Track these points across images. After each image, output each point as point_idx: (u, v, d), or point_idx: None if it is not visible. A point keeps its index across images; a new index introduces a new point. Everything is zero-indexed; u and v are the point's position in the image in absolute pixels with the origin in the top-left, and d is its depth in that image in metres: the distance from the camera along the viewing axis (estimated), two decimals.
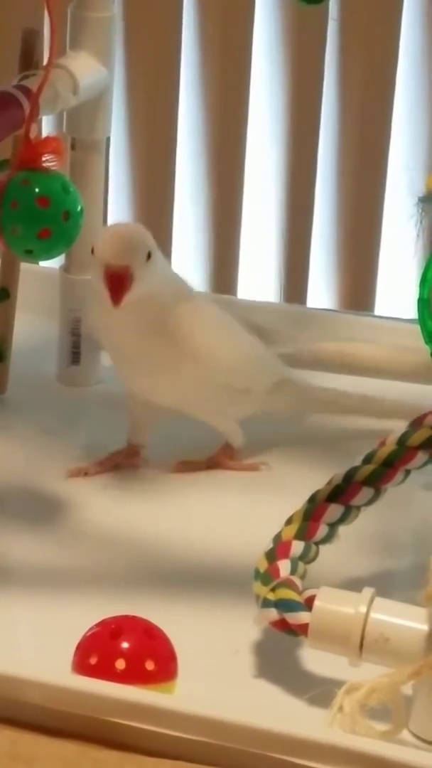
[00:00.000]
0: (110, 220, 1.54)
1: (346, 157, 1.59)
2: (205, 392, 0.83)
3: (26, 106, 0.80)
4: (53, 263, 0.99)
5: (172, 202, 1.61)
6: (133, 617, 0.67)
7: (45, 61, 0.84)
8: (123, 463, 0.84)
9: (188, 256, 1.64)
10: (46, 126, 1.28)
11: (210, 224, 1.62)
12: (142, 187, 1.60)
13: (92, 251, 0.78)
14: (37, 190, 0.75)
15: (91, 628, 0.66)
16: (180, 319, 0.81)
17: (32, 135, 0.78)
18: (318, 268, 1.64)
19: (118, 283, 0.77)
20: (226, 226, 1.62)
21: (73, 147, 0.90)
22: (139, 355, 0.81)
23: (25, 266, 0.93)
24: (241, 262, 1.64)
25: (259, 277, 1.65)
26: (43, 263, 1.22)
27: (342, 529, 0.73)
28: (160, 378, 0.82)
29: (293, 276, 1.63)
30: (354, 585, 0.67)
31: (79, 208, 0.76)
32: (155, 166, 1.59)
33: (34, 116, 0.77)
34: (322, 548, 0.72)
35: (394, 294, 1.63)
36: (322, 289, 1.65)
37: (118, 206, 1.58)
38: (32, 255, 0.77)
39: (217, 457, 0.85)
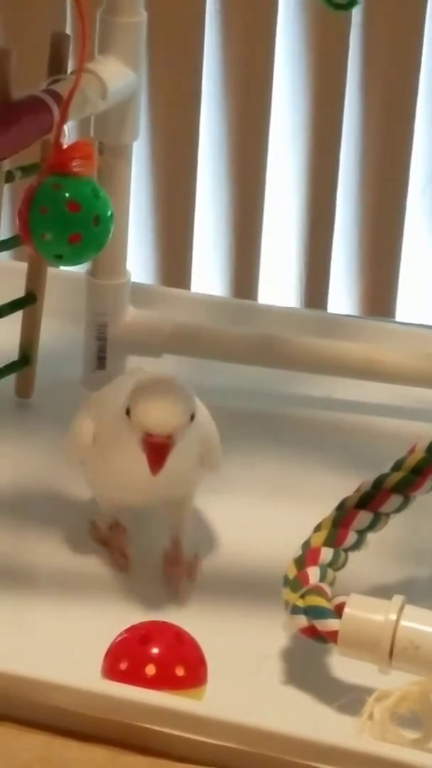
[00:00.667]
0: (131, 224, 1.54)
1: (368, 162, 1.59)
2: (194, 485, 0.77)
3: (55, 110, 0.80)
4: (79, 267, 0.99)
5: (193, 207, 1.61)
6: (163, 623, 0.67)
7: (72, 66, 0.84)
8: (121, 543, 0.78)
9: (209, 262, 1.64)
10: (74, 131, 1.27)
11: (231, 229, 1.62)
12: (164, 192, 1.60)
13: (127, 412, 0.71)
14: (67, 195, 0.75)
15: (120, 634, 0.67)
16: (210, 434, 0.76)
17: (61, 140, 0.78)
18: (339, 274, 1.64)
19: (159, 453, 0.70)
20: (247, 232, 1.62)
21: (100, 152, 0.90)
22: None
23: (51, 271, 0.93)
24: (262, 268, 1.64)
25: (279, 283, 1.65)
26: (69, 268, 1.23)
27: (371, 537, 0.73)
28: (168, 489, 0.75)
29: (314, 282, 1.63)
30: (383, 592, 0.67)
31: (109, 213, 0.76)
32: (176, 171, 1.59)
33: (65, 121, 0.77)
34: (351, 556, 0.72)
35: (416, 300, 1.63)
36: (342, 295, 1.64)
37: (139, 212, 1.58)
38: (62, 260, 0.76)
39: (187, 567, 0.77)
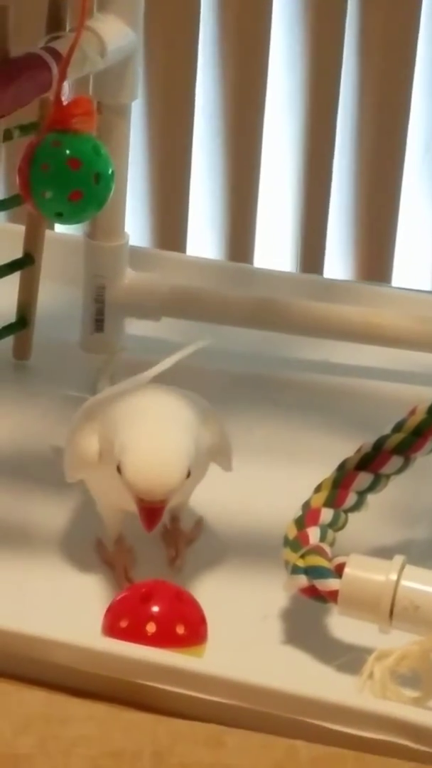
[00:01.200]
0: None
1: (365, 125, 1.58)
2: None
3: (54, 68, 0.79)
4: (77, 230, 0.98)
5: (189, 171, 1.60)
6: (164, 582, 0.67)
7: (71, 23, 0.83)
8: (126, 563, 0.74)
9: (205, 225, 1.63)
10: (72, 92, 1.27)
11: (227, 193, 1.62)
12: (159, 155, 1.59)
13: (118, 469, 0.67)
14: (68, 152, 0.75)
15: (121, 592, 0.67)
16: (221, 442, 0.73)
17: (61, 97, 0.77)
18: (335, 239, 1.64)
19: (153, 516, 0.67)
20: (243, 195, 1.61)
21: (99, 111, 0.89)
22: None
23: (49, 233, 0.93)
24: (258, 232, 1.63)
25: (275, 248, 1.64)
26: (66, 230, 1.22)
27: (371, 498, 0.73)
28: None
29: (310, 246, 1.62)
30: (383, 553, 0.67)
31: (110, 171, 0.76)
32: (172, 134, 1.58)
33: (64, 78, 0.76)
34: (351, 517, 0.72)
35: (411, 265, 1.63)
36: (338, 261, 1.64)
37: (135, 174, 1.58)
38: (62, 218, 0.76)
39: (186, 532, 0.76)
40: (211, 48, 1.58)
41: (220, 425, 0.73)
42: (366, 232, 1.62)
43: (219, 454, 0.73)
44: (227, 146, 1.60)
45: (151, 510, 0.66)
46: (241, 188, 1.61)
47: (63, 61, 0.77)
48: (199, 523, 0.76)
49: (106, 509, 0.74)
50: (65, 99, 0.76)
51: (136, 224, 1.60)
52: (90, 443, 0.71)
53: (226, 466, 0.74)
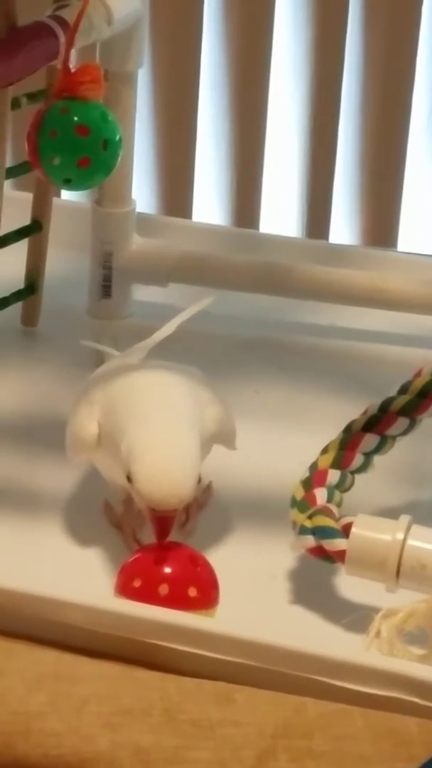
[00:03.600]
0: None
1: (370, 90, 1.58)
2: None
3: (61, 36, 0.80)
4: (85, 197, 0.99)
5: (195, 137, 1.60)
6: (177, 543, 0.67)
7: None
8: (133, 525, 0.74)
9: (211, 191, 1.63)
10: (78, 59, 1.27)
11: (233, 159, 1.62)
12: (165, 122, 1.59)
13: (128, 478, 0.67)
14: (76, 118, 0.75)
15: (135, 553, 0.67)
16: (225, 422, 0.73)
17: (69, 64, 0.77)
18: (340, 205, 1.64)
19: (166, 526, 0.66)
20: (249, 161, 1.61)
21: (105, 79, 0.89)
22: None
23: (57, 201, 0.93)
24: (264, 198, 1.63)
25: (281, 214, 1.64)
26: (74, 198, 1.22)
27: (377, 459, 0.74)
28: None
29: (316, 212, 1.63)
30: (389, 514, 0.68)
31: (117, 137, 0.76)
32: (178, 100, 1.58)
33: (72, 45, 0.77)
34: (358, 478, 0.73)
35: (417, 230, 1.63)
36: (344, 226, 1.64)
37: (142, 141, 1.58)
38: (71, 184, 0.76)
39: (197, 497, 0.76)
40: (217, 15, 1.57)
41: (220, 409, 0.73)
42: (372, 198, 1.62)
43: (221, 438, 0.73)
44: (233, 113, 1.60)
45: (164, 519, 0.66)
46: (246, 154, 1.61)
47: (71, 29, 0.77)
48: (209, 487, 0.77)
49: (113, 481, 0.74)
50: (72, 66, 0.76)
51: (142, 191, 1.61)
52: (89, 428, 0.71)
53: (230, 446, 0.74)
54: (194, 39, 1.56)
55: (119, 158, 0.77)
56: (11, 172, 0.87)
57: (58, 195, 0.99)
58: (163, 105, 1.59)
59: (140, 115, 1.58)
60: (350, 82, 1.59)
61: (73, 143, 0.75)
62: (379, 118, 1.59)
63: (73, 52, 0.80)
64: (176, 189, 1.62)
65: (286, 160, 1.62)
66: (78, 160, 0.75)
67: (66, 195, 1.09)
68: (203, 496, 0.76)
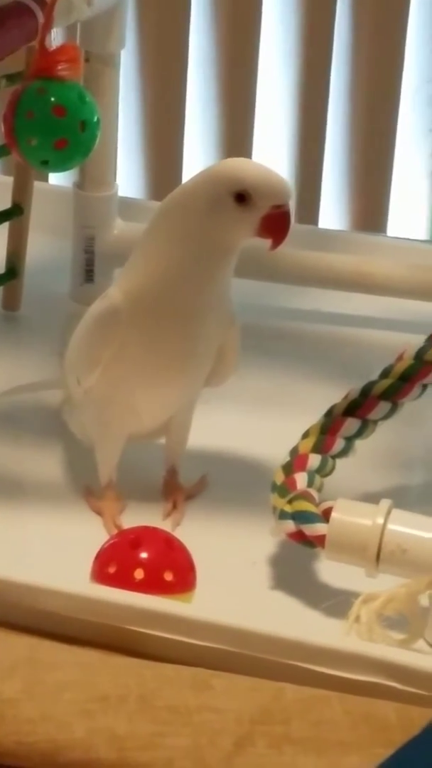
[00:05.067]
0: (120, 139, 1.53)
1: (360, 75, 1.57)
2: (192, 405, 0.75)
3: (40, 16, 0.78)
4: (67, 182, 0.98)
5: (183, 121, 1.59)
6: (153, 528, 0.67)
7: None
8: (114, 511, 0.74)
9: None
10: (58, 40, 1.26)
11: (221, 144, 1.61)
12: (153, 105, 1.58)
13: (240, 197, 0.67)
14: (53, 99, 0.74)
15: (111, 538, 0.67)
16: (236, 328, 0.73)
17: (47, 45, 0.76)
18: (330, 189, 1.63)
19: (288, 220, 0.68)
20: (237, 147, 1.60)
21: (87, 60, 0.89)
22: (204, 349, 0.71)
23: (38, 184, 0.93)
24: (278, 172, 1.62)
25: None
26: (56, 182, 1.22)
27: (359, 444, 0.73)
28: (193, 382, 0.73)
29: (305, 197, 1.62)
30: (370, 499, 0.67)
31: (95, 118, 0.76)
32: (165, 84, 1.57)
33: (49, 25, 0.76)
34: (339, 463, 0.72)
35: (407, 216, 1.62)
36: (334, 210, 1.64)
37: (128, 125, 1.57)
38: (48, 166, 0.76)
39: (188, 488, 0.76)
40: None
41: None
42: (361, 183, 1.62)
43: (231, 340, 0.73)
44: (221, 97, 1.59)
45: (287, 215, 0.68)
46: (235, 139, 1.60)
47: (48, 7, 0.76)
48: (203, 480, 0.77)
49: (107, 439, 0.74)
50: (51, 47, 0.76)
51: (130, 176, 1.60)
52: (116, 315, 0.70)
53: (231, 368, 0.74)
54: (182, 22, 1.55)
55: (97, 140, 0.76)
56: None
57: (42, 179, 0.98)
58: (150, 89, 1.58)
59: (127, 98, 1.58)
60: (339, 66, 1.58)
61: (50, 124, 0.74)
62: (368, 102, 1.59)
63: (56, 34, 0.79)
64: (164, 173, 1.61)
65: (274, 145, 1.61)
66: (55, 141, 0.74)
67: (48, 178, 1.08)
68: (195, 488, 0.76)
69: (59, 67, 0.74)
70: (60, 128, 0.74)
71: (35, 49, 0.78)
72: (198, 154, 1.61)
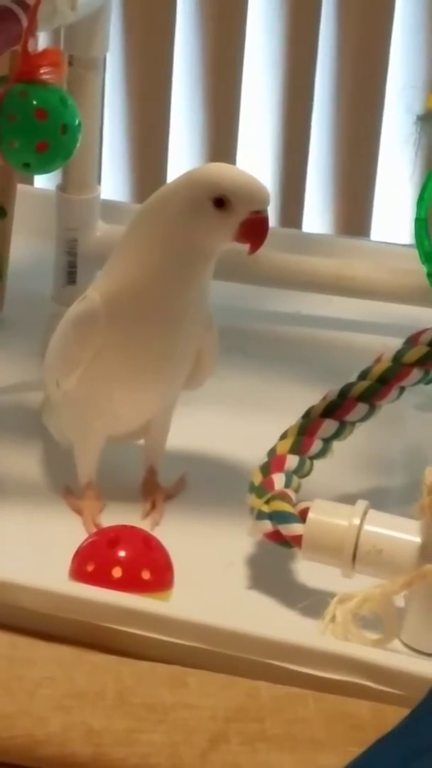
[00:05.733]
0: (105, 143, 1.53)
1: (344, 79, 1.58)
2: (172, 407, 0.76)
3: (24, 20, 0.79)
4: (50, 184, 0.99)
5: (167, 126, 1.60)
6: (132, 527, 0.68)
7: None
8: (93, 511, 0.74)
9: None
10: (43, 44, 1.27)
11: (205, 148, 1.62)
12: (138, 108, 1.59)
13: (218, 203, 0.68)
14: (34, 102, 0.75)
15: (89, 537, 0.67)
16: (214, 331, 0.74)
17: (30, 49, 0.77)
18: (314, 194, 1.64)
19: (266, 226, 0.69)
20: (221, 151, 1.61)
21: (70, 64, 0.89)
22: (183, 352, 0.72)
23: (21, 187, 0.93)
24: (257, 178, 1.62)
25: None
26: (39, 185, 1.22)
27: (336, 446, 0.74)
28: (172, 385, 0.73)
29: (289, 201, 1.62)
30: (348, 500, 0.68)
31: (77, 122, 0.76)
32: (150, 87, 1.58)
33: (33, 29, 0.76)
34: (317, 464, 0.73)
35: (390, 220, 1.63)
36: (317, 215, 1.64)
37: (114, 128, 1.58)
38: (30, 168, 0.76)
39: (167, 488, 0.77)
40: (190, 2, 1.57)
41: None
42: (345, 186, 1.62)
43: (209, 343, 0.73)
44: (206, 101, 1.60)
45: (266, 220, 0.68)
46: (219, 143, 1.61)
47: (30, 11, 0.77)
48: (182, 480, 0.77)
49: (85, 441, 0.74)
50: (33, 50, 0.76)
51: (115, 179, 1.61)
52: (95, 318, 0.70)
53: (209, 368, 0.74)
54: (168, 26, 1.56)
55: (78, 143, 0.77)
56: None
57: (26, 182, 0.99)
58: (135, 93, 1.59)
59: (113, 102, 1.59)
60: (323, 70, 1.59)
61: (32, 127, 0.75)
62: (353, 105, 1.59)
63: (42, 38, 0.79)
64: (149, 176, 1.61)
65: (259, 148, 1.62)
66: (36, 144, 0.75)
67: (31, 181, 1.09)
68: (174, 488, 0.76)
69: (41, 71, 0.75)
70: (41, 131, 0.75)
71: (19, 52, 0.79)
72: (183, 157, 1.62)
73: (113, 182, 1.59)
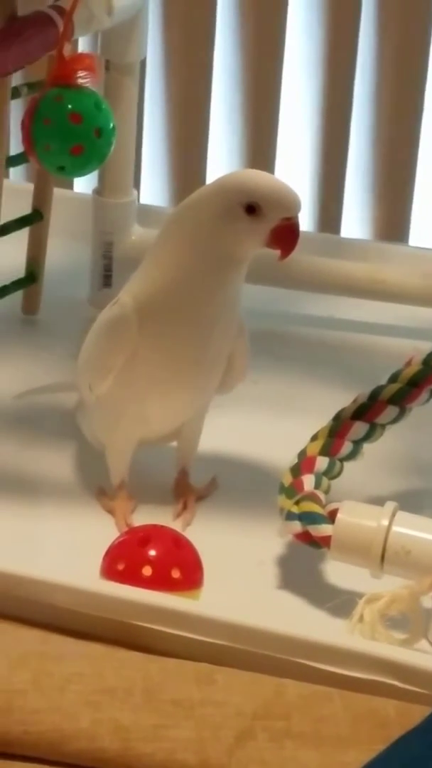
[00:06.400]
0: (145, 147, 1.54)
1: (383, 83, 1.58)
2: (204, 411, 0.76)
3: (61, 25, 0.80)
4: (86, 188, 0.99)
5: (207, 130, 1.61)
6: (162, 527, 0.68)
7: None
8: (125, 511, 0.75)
9: None
10: (82, 49, 1.28)
11: (245, 154, 1.62)
12: (178, 113, 1.60)
13: (250, 209, 0.68)
14: (69, 106, 0.76)
15: (120, 536, 0.68)
16: (245, 336, 0.74)
17: (67, 54, 0.78)
18: (352, 198, 1.64)
19: (297, 232, 0.70)
20: (260, 155, 1.61)
21: (107, 69, 0.90)
22: (215, 357, 0.72)
23: (58, 191, 0.94)
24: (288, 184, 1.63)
25: None
26: (75, 188, 1.23)
27: (367, 448, 0.74)
28: (204, 390, 0.74)
29: (328, 206, 1.63)
30: (377, 502, 0.68)
31: (111, 126, 0.77)
32: (191, 90, 1.59)
33: (68, 34, 0.77)
34: (347, 466, 0.74)
35: (429, 225, 1.63)
36: (356, 220, 1.64)
37: (153, 131, 1.58)
38: (65, 172, 0.77)
39: (199, 489, 0.77)
40: (230, 4, 1.58)
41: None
42: (383, 192, 1.62)
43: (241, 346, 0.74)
44: (245, 105, 1.60)
45: (297, 227, 0.69)
46: (258, 147, 1.61)
47: (66, 16, 0.78)
48: (214, 481, 0.78)
49: (117, 444, 0.75)
50: (69, 54, 0.77)
51: (154, 183, 1.61)
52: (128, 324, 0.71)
53: (240, 371, 0.75)
54: (207, 31, 1.57)
55: (113, 146, 0.78)
56: (13, 161, 0.88)
57: (65, 185, 1.00)
58: (175, 97, 1.59)
59: (153, 107, 1.60)
60: (363, 75, 1.59)
61: (67, 131, 0.76)
62: (392, 112, 1.59)
63: (81, 45, 0.80)
64: (188, 181, 1.62)
65: (298, 153, 1.62)
66: (71, 147, 0.76)
67: (68, 185, 1.10)
68: (206, 489, 0.77)
69: (76, 75, 0.75)
70: (76, 135, 0.76)
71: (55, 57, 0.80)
72: (222, 162, 1.63)
73: (153, 187, 1.60)
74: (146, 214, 0.98)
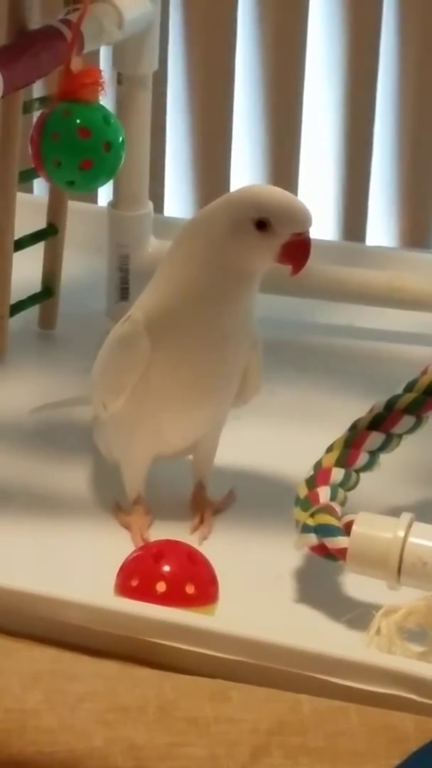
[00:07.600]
0: (168, 157, 1.54)
1: (406, 90, 1.57)
2: (221, 425, 0.76)
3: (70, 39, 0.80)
4: (101, 200, 0.99)
5: (230, 138, 1.60)
6: (176, 542, 0.68)
7: None
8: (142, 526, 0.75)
9: None
10: (102, 62, 1.28)
11: (267, 162, 1.62)
12: (200, 123, 1.60)
13: (261, 225, 0.67)
14: (78, 121, 0.76)
15: (134, 552, 0.68)
16: (259, 350, 0.74)
17: (74, 68, 0.78)
18: (376, 207, 1.63)
19: (309, 247, 0.69)
20: (284, 164, 1.61)
21: (119, 82, 0.90)
22: (229, 372, 0.72)
23: (73, 205, 0.94)
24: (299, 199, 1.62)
25: (317, 216, 1.63)
26: (91, 201, 1.23)
27: (383, 459, 0.74)
28: (219, 406, 0.73)
29: (352, 214, 1.62)
30: (394, 513, 0.68)
31: (120, 139, 0.77)
32: (213, 98, 1.58)
33: (76, 48, 0.77)
34: (366, 477, 0.73)
35: None
36: (380, 228, 1.64)
37: (176, 142, 1.58)
38: (74, 186, 0.77)
39: (215, 503, 0.77)
40: (251, 15, 1.58)
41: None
42: (407, 200, 1.62)
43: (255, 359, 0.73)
44: (267, 113, 1.60)
45: (308, 242, 0.68)
46: (282, 156, 1.61)
47: (73, 30, 0.78)
48: (231, 494, 0.77)
49: (133, 460, 0.74)
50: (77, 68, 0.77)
51: (178, 194, 1.61)
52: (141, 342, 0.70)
53: (255, 384, 0.74)
54: (229, 40, 1.56)
55: (122, 160, 0.77)
56: (25, 176, 0.88)
57: (81, 198, 1.00)
58: (197, 107, 1.59)
59: (175, 118, 1.59)
60: (386, 82, 1.58)
61: (75, 146, 0.76)
62: (416, 119, 1.59)
63: (93, 58, 0.80)
64: (212, 193, 1.61)
65: (321, 162, 1.62)
66: (80, 162, 0.76)
67: (83, 199, 1.09)
68: (223, 503, 0.77)
69: (84, 89, 0.75)
70: (85, 149, 0.76)
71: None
72: (245, 172, 1.62)
73: (176, 199, 1.60)
74: (162, 225, 0.97)
